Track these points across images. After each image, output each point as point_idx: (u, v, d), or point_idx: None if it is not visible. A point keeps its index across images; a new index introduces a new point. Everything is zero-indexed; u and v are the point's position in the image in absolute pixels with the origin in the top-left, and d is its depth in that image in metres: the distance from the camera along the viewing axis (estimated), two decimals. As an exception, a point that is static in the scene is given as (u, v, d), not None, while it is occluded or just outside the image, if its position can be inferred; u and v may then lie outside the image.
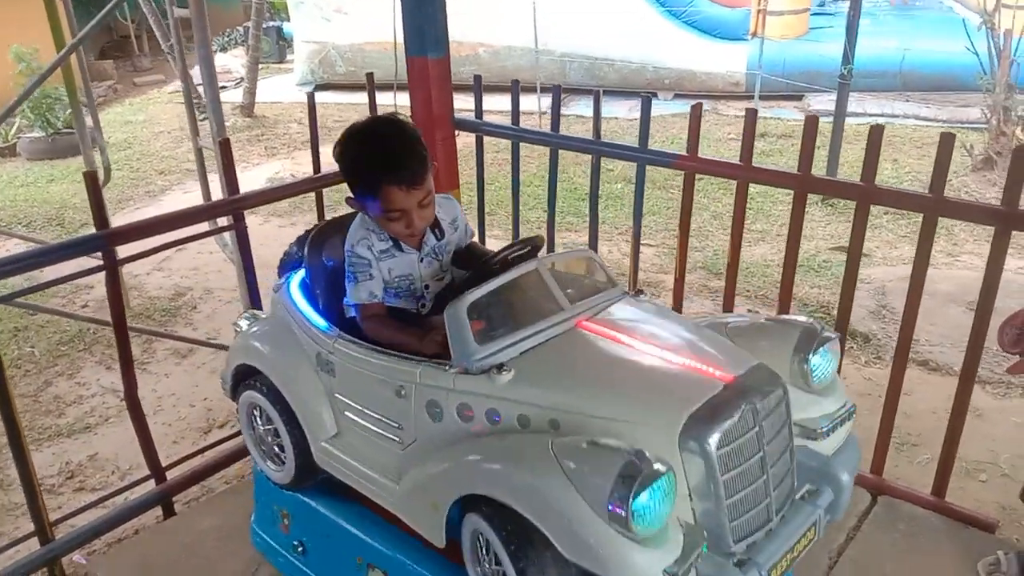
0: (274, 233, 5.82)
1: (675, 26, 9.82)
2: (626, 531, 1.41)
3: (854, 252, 2.64)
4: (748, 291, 4.75)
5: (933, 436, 3.09)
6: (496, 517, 1.58)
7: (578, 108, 8.96)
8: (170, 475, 2.86)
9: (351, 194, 2.02)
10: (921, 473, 2.88)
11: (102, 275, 2.53)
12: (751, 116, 2.75)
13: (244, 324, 2.30)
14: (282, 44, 13.21)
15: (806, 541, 1.68)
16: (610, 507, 1.41)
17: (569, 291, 1.85)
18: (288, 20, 12.30)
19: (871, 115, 8.12)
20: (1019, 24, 6.10)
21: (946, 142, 2.40)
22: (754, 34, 9.63)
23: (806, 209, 2.71)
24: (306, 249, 2.18)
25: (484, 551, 1.67)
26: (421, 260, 2.07)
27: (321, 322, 2.07)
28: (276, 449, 2.21)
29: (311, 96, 3.18)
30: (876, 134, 2.49)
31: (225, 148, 2.85)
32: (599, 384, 1.66)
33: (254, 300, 3.00)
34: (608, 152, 3.11)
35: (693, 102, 2.98)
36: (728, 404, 1.54)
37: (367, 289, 2.00)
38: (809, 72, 8.83)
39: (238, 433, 3.13)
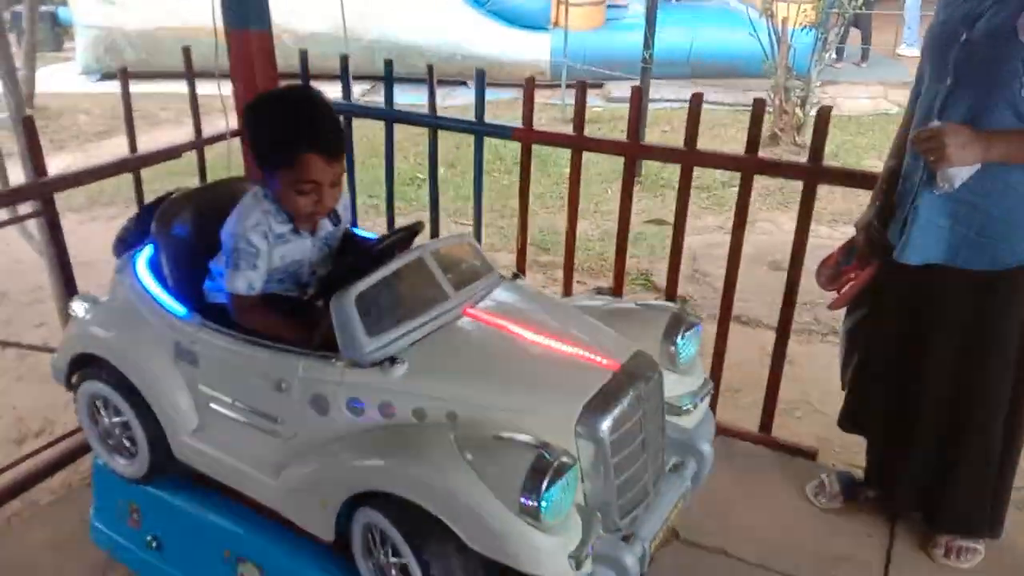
0: (70, 228, 5.32)
1: (481, 15, 10.00)
2: (536, 522, 1.45)
3: (680, 214, 2.84)
4: (575, 265, 4.94)
5: (751, 382, 3.40)
6: (394, 511, 1.57)
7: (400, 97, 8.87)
8: (-13, 490, 2.58)
9: (259, 164, 1.89)
10: (746, 415, 3.14)
11: None
12: (581, 88, 2.88)
13: (81, 309, 2.09)
14: (58, 31, 12.07)
15: (677, 510, 1.81)
16: (522, 500, 1.44)
17: (451, 277, 1.85)
18: (64, 4, 11.24)
19: (667, 100, 8.69)
20: (792, 14, 6.77)
21: (758, 107, 2.63)
22: (555, 24, 10.00)
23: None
24: (154, 225, 2.01)
25: (378, 543, 1.65)
26: (313, 246, 1.98)
27: (179, 308, 1.93)
28: (126, 442, 2.05)
29: (124, 72, 2.95)
30: (696, 102, 2.70)
31: (29, 126, 2.59)
32: (495, 375, 1.68)
33: (71, 294, 2.75)
34: (446, 125, 3.14)
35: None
36: (617, 391, 1.62)
37: (247, 280, 1.85)
38: (608, 62, 9.29)
39: (58, 440, 2.87)
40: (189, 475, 2.03)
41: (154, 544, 2.12)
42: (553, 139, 3.05)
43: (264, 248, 1.86)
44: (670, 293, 2.98)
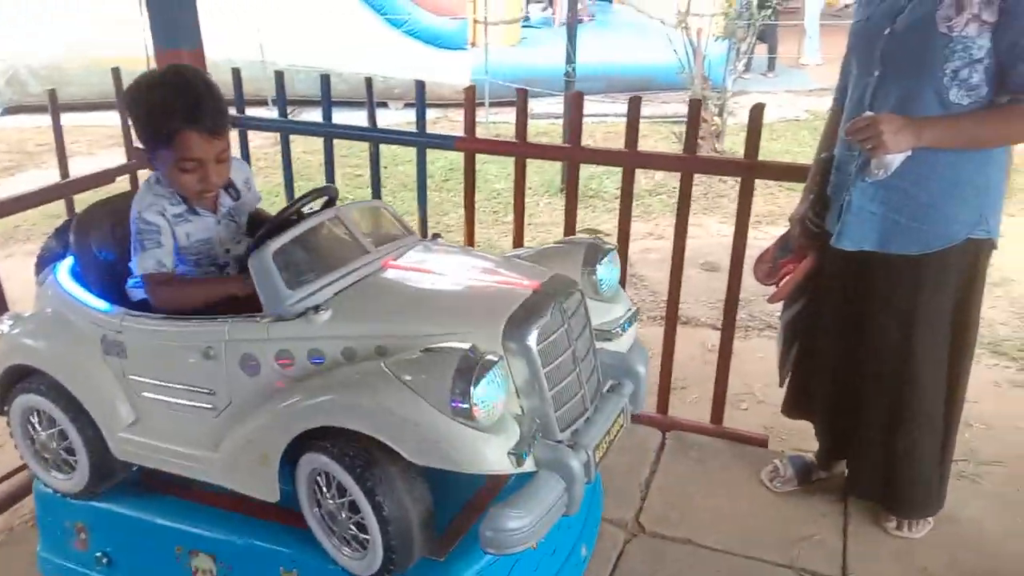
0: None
1: (399, 36, 10.03)
2: (470, 422, 1.49)
3: (624, 216, 2.90)
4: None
5: (696, 378, 3.50)
6: (335, 448, 1.60)
7: (310, 118, 8.79)
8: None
9: (144, 148, 1.90)
10: (695, 410, 3.22)
11: None
12: (522, 96, 2.93)
13: (5, 327, 2.05)
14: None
15: (618, 427, 1.85)
16: (453, 403, 1.49)
17: (370, 237, 1.89)
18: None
19: (587, 115, 8.86)
20: (706, 27, 7.02)
21: (693, 107, 2.73)
22: (473, 44, 10.10)
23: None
24: (72, 236, 2.01)
25: (323, 489, 1.68)
26: (219, 223, 1.98)
27: (102, 304, 1.92)
28: (63, 454, 2.01)
29: (52, 94, 2.86)
30: (635, 105, 2.77)
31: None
32: (420, 308, 1.73)
33: None
34: (387, 138, 3.14)
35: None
36: (539, 305, 1.67)
37: (155, 258, 1.86)
38: (527, 79, 9.43)
39: (9, 474, 2.74)
40: (131, 484, 2.03)
41: (104, 560, 2.08)
42: (496, 147, 3.11)
43: (163, 224, 1.87)
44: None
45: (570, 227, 2.97)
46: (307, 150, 6.76)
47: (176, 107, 1.81)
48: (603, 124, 8.93)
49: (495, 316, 1.64)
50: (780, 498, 2.66)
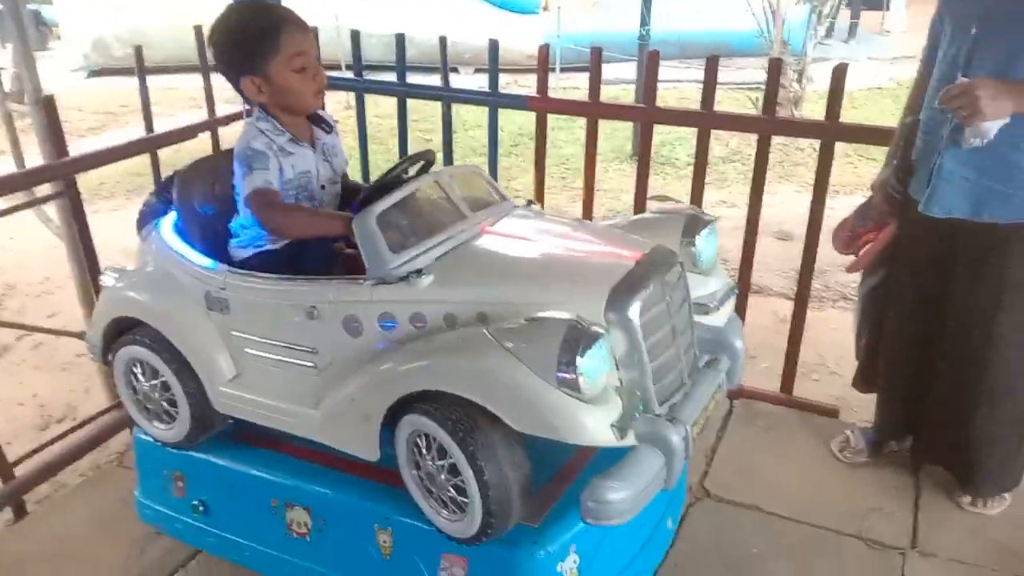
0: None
1: (470, 0, 9.99)
2: (575, 393, 1.49)
3: (698, 178, 2.86)
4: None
5: (767, 348, 3.43)
6: (438, 410, 1.61)
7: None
8: (18, 472, 2.58)
9: (239, 83, 1.91)
10: (764, 379, 3.17)
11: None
12: (596, 55, 2.90)
13: (111, 280, 2.11)
14: (43, 30, 11.99)
15: (715, 402, 1.83)
16: (558, 373, 1.48)
17: (468, 201, 1.89)
18: (50, 3, 11.18)
19: (660, 80, 8.71)
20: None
21: (774, 66, 2.66)
22: (545, 8, 10.01)
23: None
24: (175, 192, 2.05)
25: (424, 450, 1.69)
26: (316, 157, 2.00)
27: (206, 261, 1.96)
28: (165, 405, 2.07)
29: (138, 51, 2.94)
30: (712, 65, 2.71)
31: (49, 107, 2.59)
32: (521, 276, 1.72)
33: (95, 271, 2.75)
34: (459, 98, 3.14)
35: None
36: (641, 277, 1.65)
37: (263, 177, 1.85)
38: (600, 43, 9.29)
39: (83, 423, 2.88)
40: (227, 436, 2.07)
41: (201, 508, 2.14)
42: (568, 107, 3.07)
43: (271, 153, 1.88)
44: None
45: (641, 192, 2.93)
46: (378, 115, 6.82)
47: (271, 13, 1.89)
48: (676, 90, 8.79)
49: (598, 287, 1.62)
50: (849, 469, 2.61)
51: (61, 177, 2.61)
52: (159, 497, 2.22)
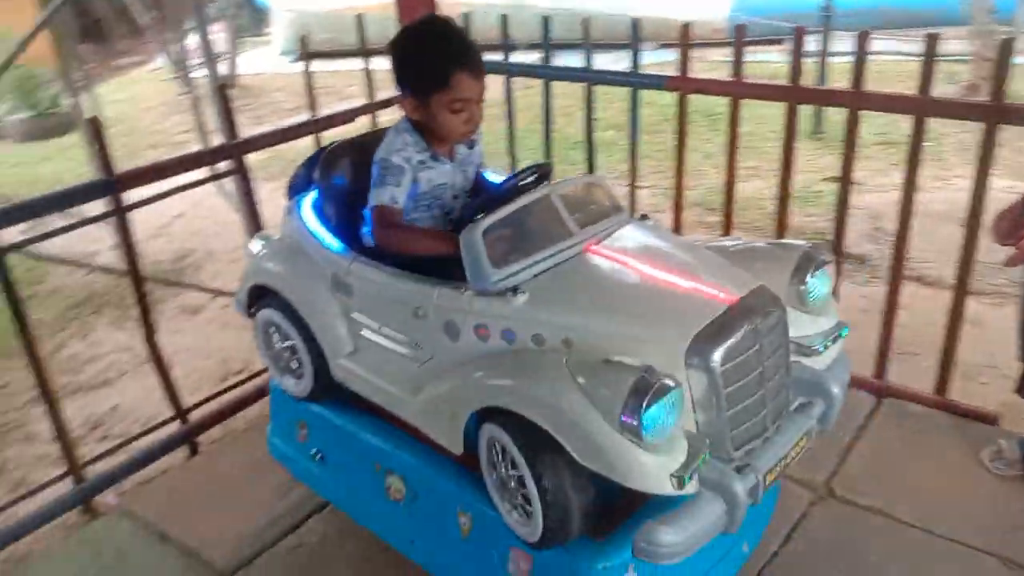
0: (267, 196, 5.83)
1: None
2: (637, 440, 1.50)
3: (847, 161, 2.70)
4: (744, 223, 4.81)
5: (932, 345, 3.18)
6: (513, 426, 1.67)
7: (567, 63, 8.92)
8: (192, 417, 2.94)
9: (402, 93, 2.01)
10: (923, 378, 2.95)
11: (107, 242, 2.55)
12: (739, 31, 2.80)
13: (257, 246, 2.33)
14: (258, 16, 13.08)
15: (799, 449, 1.77)
16: (623, 418, 1.50)
17: (578, 216, 1.89)
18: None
19: (852, 53, 8.13)
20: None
21: (931, 41, 2.46)
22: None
23: (796, 144, 2.78)
24: (319, 169, 2.20)
25: (500, 457, 1.75)
26: (455, 170, 2.09)
27: (336, 244, 2.11)
28: (294, 364, 2.28)
29: (303, 40, 3.18)
30: (862, 39, 2.55)
31: (222, 95, 2.88)
32: (611, 306, 1.73)
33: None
34: (599, 79, 3.15)
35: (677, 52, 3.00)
36: (731, 324, 1.62)
37: (390, 194, 1.96)
38: (788, 15, 8.82)
39: (255, 375, 3.21)
40: (347, 397, 2.22)
41: (318, 456, 2.35)
42: (707, 87, 2.97)
43: (407, 168, 1.98)
44: (838, 249, 2.86)
45: (787, 171, 2.79)
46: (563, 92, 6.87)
47: (451, 51, 1.94)
48: (874, 62, 8.16)
49: (683, 329, 1.61)
50: (999, 481, 2.40)
51: (232, 156, 2.91)
52: (286, 439, 2.46)
